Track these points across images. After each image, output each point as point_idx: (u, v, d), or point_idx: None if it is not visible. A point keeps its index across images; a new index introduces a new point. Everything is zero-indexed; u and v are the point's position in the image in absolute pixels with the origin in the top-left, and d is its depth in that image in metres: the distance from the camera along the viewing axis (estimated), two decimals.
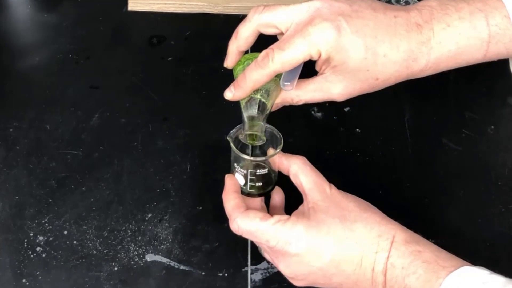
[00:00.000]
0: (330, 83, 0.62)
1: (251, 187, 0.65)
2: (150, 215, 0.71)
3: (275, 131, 0.65)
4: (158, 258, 0.68)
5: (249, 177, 0.64)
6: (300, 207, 0.61)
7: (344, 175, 0.77)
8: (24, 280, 0.65)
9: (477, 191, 0.76)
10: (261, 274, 0.68)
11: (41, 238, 0.69)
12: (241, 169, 0.64)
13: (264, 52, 0.60)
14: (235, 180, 0.64)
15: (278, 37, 0.64)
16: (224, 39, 0.93)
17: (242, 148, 0.65)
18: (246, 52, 0.67)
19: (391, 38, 0.60)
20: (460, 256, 0.70)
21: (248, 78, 0.61)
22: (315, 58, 0.60)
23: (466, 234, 0.72)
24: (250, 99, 0.63)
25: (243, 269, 0.68)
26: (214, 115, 0.81)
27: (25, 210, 0.71)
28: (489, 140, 0.81)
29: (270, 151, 0.65)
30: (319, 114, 0.83)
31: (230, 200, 0.62)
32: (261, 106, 0.63)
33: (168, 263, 0.68)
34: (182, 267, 0.67)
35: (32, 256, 0.67)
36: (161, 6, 0.95)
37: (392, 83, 0.64)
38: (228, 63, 0.67)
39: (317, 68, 0.63)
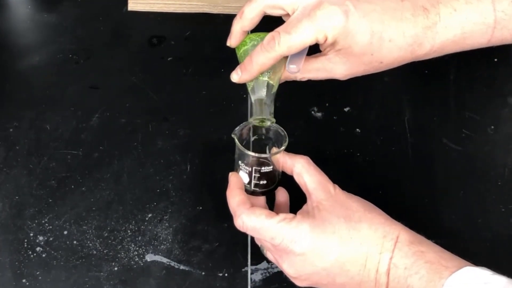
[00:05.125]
0: (334, 64, 0.63)
1: (255, 185, 0.65)
2: (150, 215, 0.71)
3: (280, 129, 0.65)
4: (158, 258, 0.68)
5: (253, 174, 0.64)
6: (304, 207, 0.61)
7: (344, 175, 0.77)
8: (24, 280, 0.65)
9: (477, 191, 0.76)
10: (261, 274, 0.68)
11: (41, 238, 0.69)
12: (246, 167, 0.64)
13: (270, 35, 0.60)
14: (239, 177, 0.64)
15: (284, 18, 0.63)
16: (224, 39, 0.94)
17: (247, 146, 0.65)
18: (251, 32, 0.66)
19: (397, 23, 0.60)
20: (460, 256, 0.70)
21: (254, 61, 0.61)
22: (321, 42, 0.60)
23: (466, 234, 0.72)
24: (257, 81, 0.63)
25: (243, 269, 0.68)
26: (214, 115, 0.81)
27: (25, 210, 0.71)
28: (489, 140, 0.81)
29: (274, 150, 0.65)
30: (319, 114, 0.83)
31: (235, 196, 0.61)
32: (268, 88, 0.64)
33: (168, 263, 0.68)
34: (182, 267, 0.67)
35: (32, 256, 0.67)
36: (161, 6, 0.95)
37: (396, 65, 0.64)
38: (232, 42, 0.67)
39: (321, 49, 0.63)
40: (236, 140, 0.63)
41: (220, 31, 0.94)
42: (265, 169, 0.64)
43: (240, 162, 0.65)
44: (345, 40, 0.59)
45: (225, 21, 0.95)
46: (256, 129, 0.66)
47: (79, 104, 0.82)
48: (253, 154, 0.63)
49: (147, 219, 0.71)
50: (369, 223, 0.57)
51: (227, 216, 0.71)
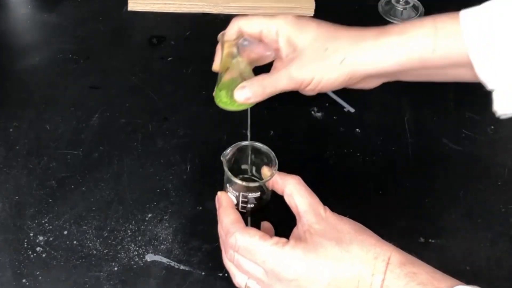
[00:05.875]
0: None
1: (242, 208, 0.65)
2: (150, 215, 0.71)
3: (271, 152, 0.64)
4: (158, 258, 0.68)
5: (241, 199, 0.64)
6: (295, 230, 0.60)
7: (344, 175, 0.77)
8: (24, 280, 0.65)
9: (477, 191, 0.76)
10: None
11: (41, 238, 0.69)
12: (233, 191, 0.64)
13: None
14: (230, 197, 0.64)
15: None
16: None
17: (237, 167, 0.65)
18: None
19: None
20: (460, 256, 0.70)
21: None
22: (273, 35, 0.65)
23: (466, 234, 0.72)
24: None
25: None
26: (214, 115, 0.81)
27: (25, 210, 0.71)
28: (489, 140, 0.81)
29: (265, 170, 0.64)
30: (319, 114, 0.83)
31: (230, 214, 0.61)
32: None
33: (168, 263, 0.68)
34: (182, 267, 0.67)
35: (32, 256, 0.67)
36: (161, 6, 0.95)
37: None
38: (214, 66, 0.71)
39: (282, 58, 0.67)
40: (224, 165, 0.63)
41: (220, 31, 0.94)
42: (252, 194, 0.64)
43: (228, 185, 0.64)
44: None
45: (225, 21, 0.95)
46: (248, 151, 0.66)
47: (79, 104, 0.82)
48: (240, 182, 0.62)
49: (147, 219, 0.71)
50: (360, 244, 0.57)
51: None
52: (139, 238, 0.69)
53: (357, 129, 0.81)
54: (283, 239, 0.57)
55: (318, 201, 0.60)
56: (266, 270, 0.57)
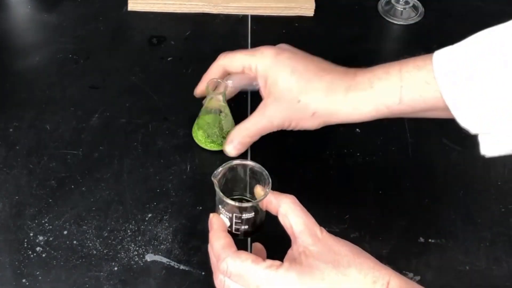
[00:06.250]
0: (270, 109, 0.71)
1: (236, 229, 0.62)
2: (150, 215, 0.71)
3: (264, 171, 0.62)
4: (158, 258, 0.68)
5: (234, 220, 0.62)
6: (289, 252, 0.58)
7: (344, 175, 0.77)
8: (24, 280, 0.65)
9: (477, 191, 0.76)
10: None
11: (41, 238, 0.69)
12: (226, 212, 0.62)
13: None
14: (222, 220, 0.62)
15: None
16: (224, 39, 0.94)
17: (229, 186, 0.63)
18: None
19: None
20: (460, 256, 0.70)
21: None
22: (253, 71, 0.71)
23: (466, 234, 0.72)
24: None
25: None
26: None
27: (25, 210, 0.71)
28: None
29: (258, 189, 0.62)
30: None
31: (220, 238, 0.58)
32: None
33: (168, 263, 0.68)
34: (182, 267, 0.67)
35: (32, 256, 0.67)
36: (161, 6, 0.95)
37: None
38: (196, 91, 0.78)
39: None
40: (216, 186, 0.60)
41: (220, 31, 0.94)
42: (246, 215, 0.61)
43: (220, 206, 0.62)
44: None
45: (225, 21, 0.95)
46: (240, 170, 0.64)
47: (79, 104, 0.82)
48: (232, 202, 0.60)
49: (147, 219, 0.71)
50: (358, 268, 0.55)
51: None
52: (139, 238, 0.69)
53: (357, 129, 0.81)
54: (277, 262, 0.56)
55: (314, 221, 0.58)
56: None
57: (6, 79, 0.84)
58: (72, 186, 0.73)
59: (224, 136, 0.76)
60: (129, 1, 0.95)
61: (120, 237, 0.69)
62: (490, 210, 0.74)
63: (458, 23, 0.95)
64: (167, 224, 0.71)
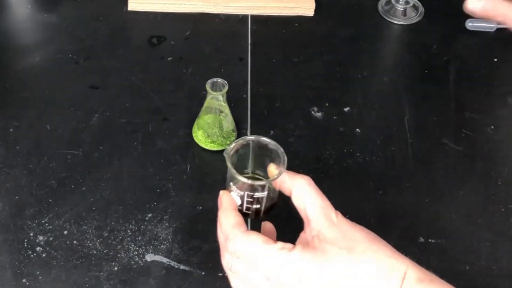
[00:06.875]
0: None
1: (247, 209, 0.59)
2: (150, 215, 0.71)
3: (279, 148, 0.58)
4: (158, 258, 0.68)
5: (245, 199, 0.58)
6: (302, 235, 0.55)
7: (344, 175, 0.77)
8: (24, 280, 0.65)
9: (477, 191, 0.76)
10: None
11: (41, 238, 0.69)
12: (238, 190, 0.58)
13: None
14: (232, 198, 0.58)
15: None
16: (224, 39, 0.94)
17: (241, 164, 0.60)
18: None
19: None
20: (460, 256, 0.70)
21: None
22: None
23: (466, 234, 0.72)
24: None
25: None
26: None
27: (25, 210, 0.71)
28: (489, 140, 0.81)
29: (272, 167, 0.58)
30: (319, 114, 0.83)
31: (230, 217, 0.55)
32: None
33: (168, 263, 0.68)
34: (182, 267, 0.67)
35: (32, 256, 0.67)
36: (161, 6, 0.95)
37: None
38: None
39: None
40: (228, 163, 0.57)
41: (220, 31, 0.94)
42: (259, 194, 0.58)
43: (231, 184, 0.59)
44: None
45: (225, 21, 0.95)
46: (254, 146, 0.61)
47: (79, 104, 0.82)
48: (245, 180, 0.57)
49: (147, 219, 0.71)
50: (374, 255, 0.51)
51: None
52: (139, 238, 0.69)
53: (357, 129, 0.81)
54: (289, 244, 0.52)
55: (329, 204, 0.55)
56: (270, 278, 0.52)
57: (6, 79, 0.84)
58: (72, 186, 0.73)
59: (224, 136, 0.76)
60: (129, 1, 0.95)
61: (120, 237, 0.69)
62: (490, 210, 0.74)
63: (458, 23, 0.95)
64: (167, 224, 0.71)
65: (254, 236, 0.53)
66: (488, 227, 0.73)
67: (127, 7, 0.95)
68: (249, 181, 0.57)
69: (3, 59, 0.87)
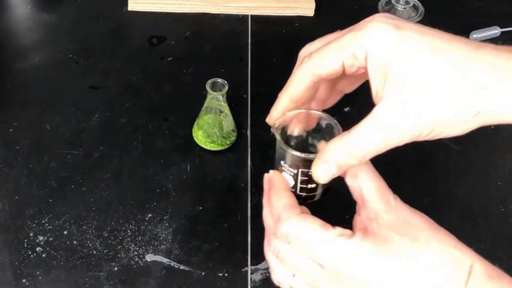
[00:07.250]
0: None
1: (301, 189, 0.53)
2: (150, 215, 0.71)
3: (337, 124, 0.53)
4: (158, 258, 0.68)
5: (299, 178, 0.53)
6: (357, 218, 0.50)
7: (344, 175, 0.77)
8: (24, 280, 0.65)
9: (477, 191, 0.76)
10: (261, 274, 0.68)
11: (41, 238, 0.69)
12: (290, 168, 0.52)
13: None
14: (284, 178, 0.52)
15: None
16: (224, 39, 0.94)
17: (288, 141, 0.55)
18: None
19: None
20: None
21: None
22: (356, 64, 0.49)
23: (466, 234, 0.72)
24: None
25: (243, 269, 0.68)
26: None
27: (25, 210, 0.71)
28: (489, 140, 0.81)
29: (323, 145, 0.51)
30: None
31: (283, 198, 0.49)
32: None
33: (168, 263, 0.68)
34: (182, 267, 0.67)
35: (32, 256, 0.67)
36: (161, 6, 0.95)
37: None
38: (271, 116, 0.56)
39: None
40: (278, 137, 0.52)
41: (220, 31, 0.94)
42: None
43: (282, 162, 0.53)
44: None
45: (225, 21, 0.95)
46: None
47: (79, 104, 0.82)
48: (298, 153, 0.51)
49: (147, 219, 0.71)
50: (438, 245, 0.47)
51: (227, 216, 0.71)
52: (139, 238, 0.69)
53: None
54: (348, 231, 0.47)
55: (387, 187, 0.50)
56: (326, 267, 0.46)
57: (6, 79, 0.84)
58: (72, 186, 0.73)
59: (224, 136, 0.76)
60: (129, 1, 0.95)
61: (120, 237, 0.69)
62: (490, 210, 0.74)
63: (458, 23, 0.95)
64: (167, 224, 0.71)
65: (311, 220, 0.47)
66: (488, 227, 0.73)
67: (127, 7, 0.95)
68: (303, 155, 0.51)
69: (3, 59, 0.87)
